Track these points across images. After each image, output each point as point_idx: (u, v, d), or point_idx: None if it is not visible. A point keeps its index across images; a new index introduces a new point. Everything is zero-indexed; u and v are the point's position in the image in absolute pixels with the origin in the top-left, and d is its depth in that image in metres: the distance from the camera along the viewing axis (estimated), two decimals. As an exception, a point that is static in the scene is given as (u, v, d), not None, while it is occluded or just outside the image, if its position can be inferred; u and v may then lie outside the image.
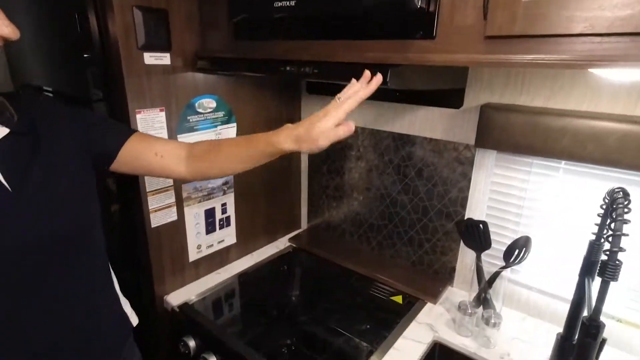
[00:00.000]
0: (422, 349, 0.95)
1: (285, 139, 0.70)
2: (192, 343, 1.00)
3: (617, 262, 0.57)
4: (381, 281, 1.21)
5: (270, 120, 1.28)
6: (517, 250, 0.92)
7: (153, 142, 0.78)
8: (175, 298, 1.10)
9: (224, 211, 1.22)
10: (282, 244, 1.44)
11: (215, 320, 1.03)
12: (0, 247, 0.56)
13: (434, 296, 1.12)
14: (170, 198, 1.06)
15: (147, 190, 1.00)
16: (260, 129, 0.90)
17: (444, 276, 1.20)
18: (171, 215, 1.07)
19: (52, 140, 0.65)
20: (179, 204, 1.09)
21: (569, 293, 0.89)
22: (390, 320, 1.05)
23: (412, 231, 1.23)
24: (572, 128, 0.83)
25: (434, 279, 1.21)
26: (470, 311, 0.96)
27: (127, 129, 0.78)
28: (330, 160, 1.38)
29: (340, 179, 1.37)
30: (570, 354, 0.86)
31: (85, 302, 0.69)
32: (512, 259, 0.93)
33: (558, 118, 0.84)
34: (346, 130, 0.67)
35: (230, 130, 1.17)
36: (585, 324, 0.62)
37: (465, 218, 1.08)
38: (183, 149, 0.80)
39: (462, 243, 1.15)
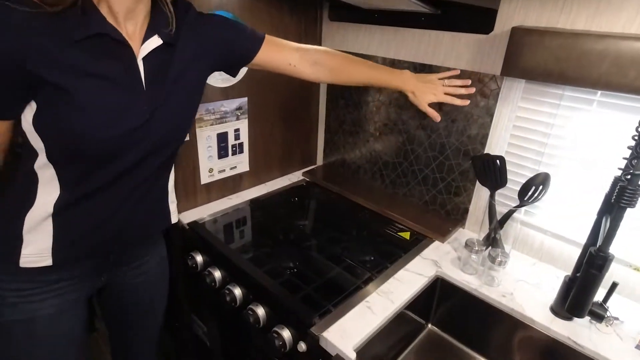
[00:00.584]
0: (422, 281, 0.94)
1: (411, 78, 0.98)
2: (199, 258, 1.04)
3: (637, 186, 0.51)
4: (391, 217, 1.19)
5: (288, 46, 1.23)
6: (533, 187, 0.87)
7: (285, 50, 0.89)
8: (187, 217, 1.13)
9: (237, 137, 1.21)
10: (295, 177, 1.44)
11: (223, 239, 1.06)
12: (123, 131, 0.65)
13: (443, 235, 1.10)
14: (182, 118, 1.06)
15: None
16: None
17: (456, 217, 1.17)
18: (183, 136, 1.08)
19: (187, 47, 0.73)
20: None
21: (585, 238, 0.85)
22: (395, 254, 1.04)
23: (427, 169, 1.19)
24: (614, 51, 0.73)
25: (445, 219, 1.18)
26: (477, 248, 0.93)
27: (260, 34, 0.86)
28: (349, 92, 1.32)
29: (357, 112, 1.32)
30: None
31: (154, 189, 0.79)
32: (527, 197, 0.88)
33: (599, 40, 0.74)
34: (436, 117, 1.00)
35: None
36: (592, 254, 0.57)
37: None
38: (313, 56, 0.92)
39: (477, 184, 1.09)
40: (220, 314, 1.11)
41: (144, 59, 0.67)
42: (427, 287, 0.95)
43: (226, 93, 1.14)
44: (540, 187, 0.86)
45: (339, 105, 1.37)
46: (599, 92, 0.83)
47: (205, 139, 1.14)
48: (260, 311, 0.88)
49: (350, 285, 0.91)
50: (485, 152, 1.03)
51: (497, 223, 0.96)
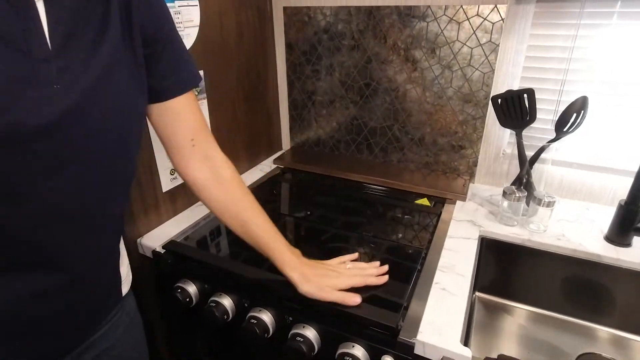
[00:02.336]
0: (474, 245, 0.81)
1: (294, 273, 0.63)
2: (191, 288, 0.76)
3: None
4: (398, 188, 1.04)
5: None
6: (574, 114, 0.80)
7: (197, 123, 0.62)
8: (153, 239, 0.83)
9: (197, 124, 0.93)
10: (267, 167, 1.20)
11: (222, 253, 0.79)
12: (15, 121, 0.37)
13: (463, 193, 0.99)
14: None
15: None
16: None
17: (465, 172, 1.07)
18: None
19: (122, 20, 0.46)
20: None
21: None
22: (427, 223, 0.90)
23: (425, 127, 1.07)
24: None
25: (454, 177, 1.07)
26: (517, 195, 0.84)
27: (192, 77, 0.59)
28: (316, 57, 1.13)
29: (330, 78, 1.14)
30: (636, 219, 0.78)
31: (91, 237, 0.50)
32: (568, 126, 0.81)
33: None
34: (351, 302, 0.63)
35: None
36: None
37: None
38: (216, 165, 0.65)
39: (485, 131, 1.01)
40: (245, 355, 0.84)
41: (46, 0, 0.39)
42: (479, 250, 0.82)
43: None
44: (582, 113, 0.79)
45: (305, 73, 1.17)
46: (619, 1, 0.78)
47: (160, 130, 0.84)
48: (312, 334, 0.65)
49: (407, 270, 0.73)
50: (492, 94, 0.95)
51: (528, 164, 0.88)
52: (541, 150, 0.86)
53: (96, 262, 0.51)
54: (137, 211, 0.82)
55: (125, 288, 0.62)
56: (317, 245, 0.82)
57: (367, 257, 0.77)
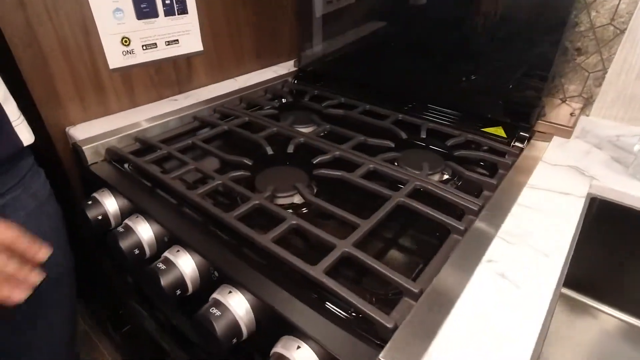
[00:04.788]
0: (577, 205, 0.45)
1: None
2: (112, 205, 0.52)
3: None
4: (458, 107, 0.68)
5: None
6: None
7: None
8: (84, 132, 0.59)
9: (169, -21, 0.65)
10: (284, 69, 0.89)
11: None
12: None
13: (566, 125, 0.60)
14: None
15: None
16: None
17: (576, 97, 0.67)
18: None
19: None
20: None
21: None
22: (492, 163, 0.55)
23: (518, 20, 0.66)
24: None
25: (557, 103, 0.68)
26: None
27: None
28: None
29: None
30: None
31: None
32: None
33: None
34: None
35: None
36: None
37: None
38: None
39: (630, 24, 0.58)
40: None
41: None
42: (582, 216, 0.46)
43: None
44: None
45: None
46: None
47: (102, -27, 0.57)
48: (240, 306, 0.37)
49: (432, 237, 0.41)
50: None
51: None
52: None
53: None
54: (65, 91, 0.59)
55: (23, 135, 0.45)
56: (343, 197, 0.53)
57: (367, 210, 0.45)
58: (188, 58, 0.72)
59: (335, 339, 0.32)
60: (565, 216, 0.43)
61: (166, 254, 0.43)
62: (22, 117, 0.46)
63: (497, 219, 0.42)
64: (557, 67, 0.66)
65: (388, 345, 0.29)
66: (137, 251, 0.46)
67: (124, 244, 0.45)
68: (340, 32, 0.80)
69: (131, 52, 0.64)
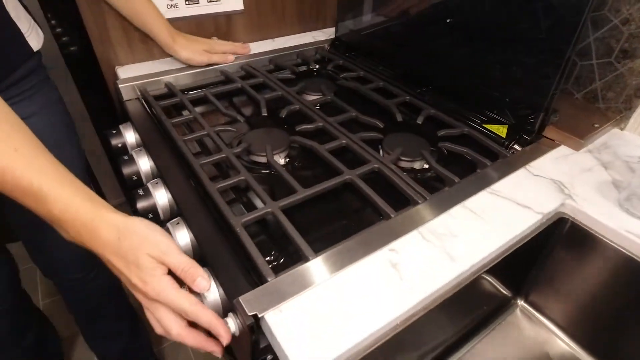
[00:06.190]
0: (531, 221, 0.43)
1: (182, 50, 0.70)
2: (131, 137, 0.62)
3: None
4: (466, 100, 0.65)
5: None
6: None
7: None
8: (130, 71, 0.70)
9: (214, -62, 0.70)
10: (324, 34, 0.91)
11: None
12: None
13: (580, 135, 0.54)
14: None
15: None
16: None
17: (614, 107, 0.59)
18: None
19: None
20: None
21: None
22: (469, 160, 0.53)
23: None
24: None
25: (589, 109, 0.61)
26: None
27: None
28: None
29: None
30: None
31: None
32: None
33: None
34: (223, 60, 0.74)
35: None
36: None
37: None
38: None
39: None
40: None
41: None
42: (538, 232, 0.44)
43: None
44: None
45: None
46: None
47: None
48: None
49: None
50: None
51: None
52: None
53: None
54: (116, 35, 0.69)
55: (32, 42, 0.55)
56: (312, 166, 0.57)
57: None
58: (228, 16, 0.79)
59: (230, 267, 0.38)
60: (506, 228, 0.42)
61: (148, 184, 0.52)
62: (32, 28, 0.56)
63: (431, 215, 0.43)
64: (584, 70, 0.59)
65: (252, 291, 0.34)
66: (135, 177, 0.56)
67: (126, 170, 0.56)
68: (379, 5, 0.78)
69: (175, 5, 0.72)
